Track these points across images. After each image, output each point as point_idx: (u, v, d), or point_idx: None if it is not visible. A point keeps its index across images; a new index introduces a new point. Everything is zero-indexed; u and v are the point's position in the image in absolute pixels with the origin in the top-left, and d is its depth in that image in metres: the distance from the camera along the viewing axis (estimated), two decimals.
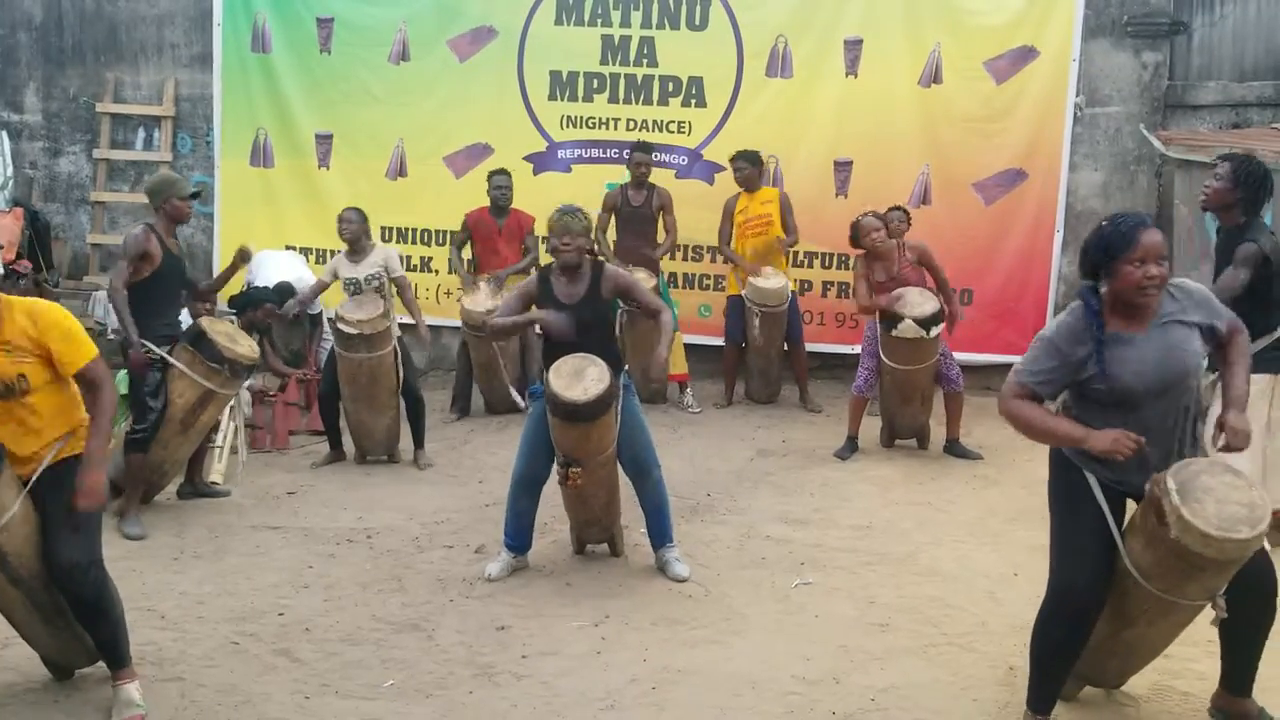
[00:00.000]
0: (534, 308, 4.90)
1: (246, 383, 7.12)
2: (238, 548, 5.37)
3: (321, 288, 7.13)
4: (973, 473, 6.63)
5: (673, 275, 8.60)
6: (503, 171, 7.96)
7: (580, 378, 4.57)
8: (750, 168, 7.90)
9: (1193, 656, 3.83)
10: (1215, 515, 3.07)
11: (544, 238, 8.35)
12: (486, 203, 7.95)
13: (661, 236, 8.04)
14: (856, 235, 6.75)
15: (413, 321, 7.04)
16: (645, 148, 8.04)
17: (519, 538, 5.04)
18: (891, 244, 6.68)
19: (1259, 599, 3.32)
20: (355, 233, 6.87)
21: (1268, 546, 5.03)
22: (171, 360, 5.55)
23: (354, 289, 6.82)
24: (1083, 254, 3.40)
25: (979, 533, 5.59)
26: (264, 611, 4.58)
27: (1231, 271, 4.82)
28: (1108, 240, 3.27)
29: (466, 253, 8.07)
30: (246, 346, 5.76)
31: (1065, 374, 3.36)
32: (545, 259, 8.44)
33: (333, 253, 8.89)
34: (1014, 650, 4.14)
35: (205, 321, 5.71)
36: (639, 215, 7.94)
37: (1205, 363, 3.41)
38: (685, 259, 8.66)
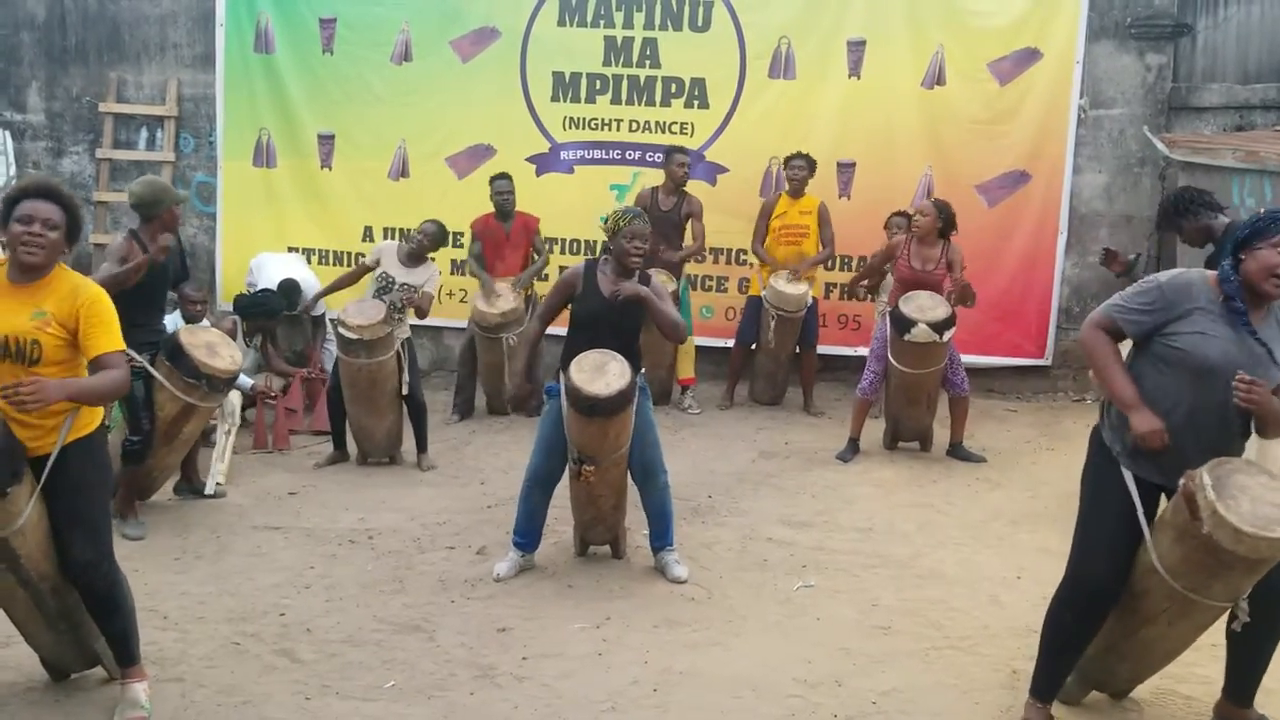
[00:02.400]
0: (570, 302, 4.92)
1: (250, 383, 7.13)
2: (239, 548, 5.37)
3: (360, 273, 7.02)
4: (976, 475, 6.62)
5: (686, 277, 8.55)
6: (504, 176, 7.91)
7: (602, 372, 4.57)
8: (808, 170, 7.84)
9: (1197, 661, 3.82)
10: (1250, 513, 3.09)
11: (575, 239, 8.38)
12: (488, 206, 7.91)
13: (688, 243, 8.00)
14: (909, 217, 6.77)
15: (419, 323, 7.10)
16: (683, 150, 7.98)
17: (529, 536, 5.05)
18: (931, 233, 6.67)
19: (1270, 611, 3.31)
20: (426, 248, 6.94)
21: None
22: (152, 370, 5.45)
23: (384, 286, 6.79)
24: (1229, 231, 3.42)
25: (982, 535, 5.58)
26: (265, 612, 4.57)
27: None
28: (1258, 223, 3.33)
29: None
30: (226, 359, 5.56)
31: (1157, 321, 3.37)
32: (558, 259, 8.51)
33: (336, 253, 8.94)
34: (1016, 653, 4.13)
35: (184, 333, 5.57)
36: (666, 220, 7.86)
37: None
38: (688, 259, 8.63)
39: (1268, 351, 3.29)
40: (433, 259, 7.13)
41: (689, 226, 7.97)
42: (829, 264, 8.52)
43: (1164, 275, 3.43)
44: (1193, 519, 3.16)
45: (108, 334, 3.49)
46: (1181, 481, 3.24)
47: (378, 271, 6.86)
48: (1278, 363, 3.31)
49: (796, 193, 7.88)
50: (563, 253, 8.68)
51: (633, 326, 4.86)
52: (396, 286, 6.78)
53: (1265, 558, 3.13)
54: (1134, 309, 3.42)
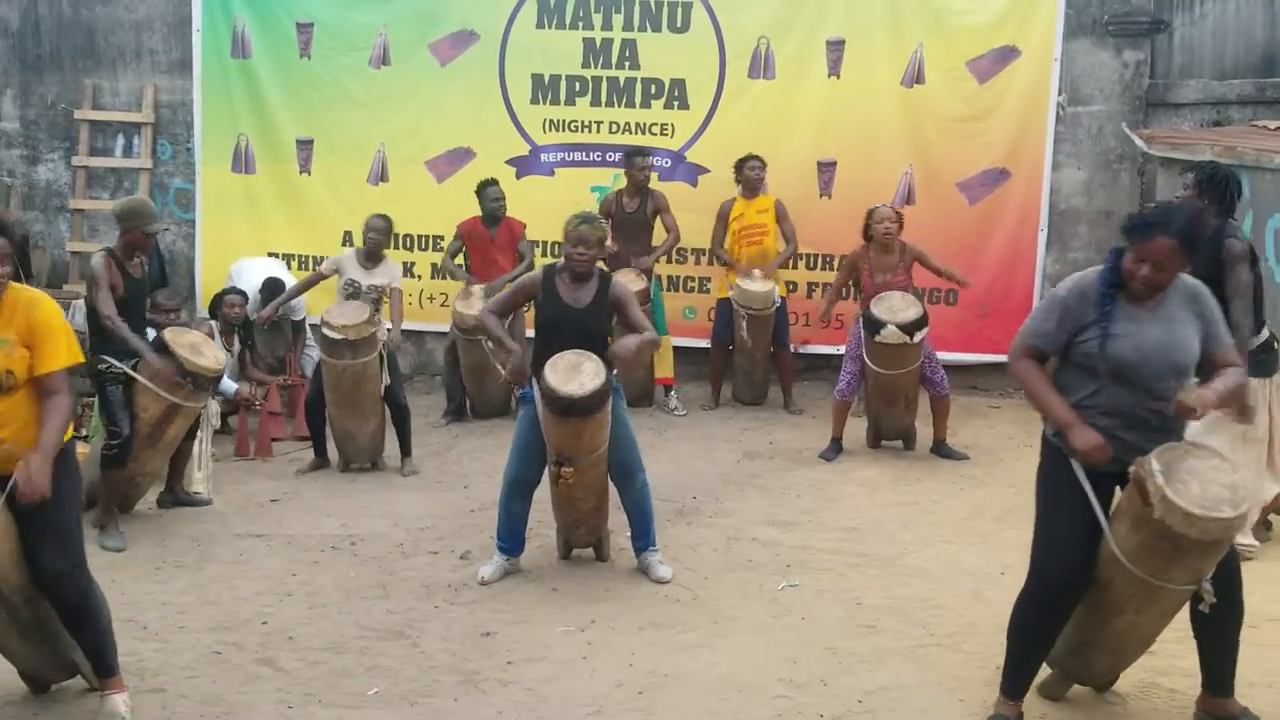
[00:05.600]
0: (533, 305, 4.96)
1: (233, 389, 7.10)
2: (220, 556, 5.32)
3: (315, 280, 7.00)
4: (959, 473, 6.63)
5: (657, 277, 8.56)
6: (494, 182, 7.90)
7: (577, 373, 4.58)
8: (764, 169, 7.87)
9: (1180, 654, 3.82)
10: (1199, 496, 3.13)
11: (556, 241, 8.31)
12: (472, 210, 7.89)
13: (659, 239, 8.01)
14: (869, 223, 6.76)
15: (404, 328, 7.10)
16: (643, 152, 8.00)
17: (512, 540, 5.04)
18: (895, 240, 6.71)
19: (1224, 595, 3.34)
20: (381, 243, 6.91)
21: (1257, 543, 5.10)
22: (134, 374, 5.48)
23: (352, 292, 6.76)
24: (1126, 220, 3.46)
25: (966, 533, 5.58)
26: (247, 620, 4.54)
27: (1233, 274, 4.80)
28: (1133, 224, 3.38)
29: (458, 260, 7.99)
30: (211, 359, 5.63)
31: (1066, 332, 3.41)
32: (538, 262, 8.47)
33: (316, 259, 8.87)
34: (1001, 650, 4.10)
35: (169, 334, 5.62)
36: (634, 221, 7.90)
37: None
38: (670, 261, 8.60)
39: (1173, 333, 3.32)
40: (389, 256, 7.11)
41: (658, 222, 7.99)
42: (811, 264, 8.55)
43: (1062, 287, 3.49)
44: (1144, 505, 3.20)
45: (57, 350, 3.46)
46: (1132, 469, 3.27)
47: (342, 280, 6.84)
48: (1190, 343, 3.34)
49: (752, 193, 7.91)
50: (544, 255, 8.62)
51: (598, 330, 4.87)
52: (363, 290, 6.76)
53: (1218, 539, 3.17)
54: (1043, 329, 3.48)
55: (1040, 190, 8.40)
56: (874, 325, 6.48)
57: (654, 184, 8.20)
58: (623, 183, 8.14)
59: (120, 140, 9.32)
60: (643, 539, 5.04)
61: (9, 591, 3.52)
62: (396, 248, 8.77)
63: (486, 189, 7.85)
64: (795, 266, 8.52)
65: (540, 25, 8.66)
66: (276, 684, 4.00)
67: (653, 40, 8.59)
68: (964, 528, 5.66)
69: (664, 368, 8.10)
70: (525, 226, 7.95)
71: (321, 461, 6.87)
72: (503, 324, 5.05)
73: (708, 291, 8.66)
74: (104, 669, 3.69)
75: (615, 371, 4.96)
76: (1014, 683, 3.61)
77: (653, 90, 8.65)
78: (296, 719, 3.76)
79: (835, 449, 6.92)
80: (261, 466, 6.98)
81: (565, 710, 3.80)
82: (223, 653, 4.24)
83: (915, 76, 8.37)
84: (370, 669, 4.11)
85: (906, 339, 6.43)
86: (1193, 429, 4.86)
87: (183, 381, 5.49)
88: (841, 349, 7.78)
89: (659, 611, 4.61)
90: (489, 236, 7.85)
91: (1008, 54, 8.27)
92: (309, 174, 8.96)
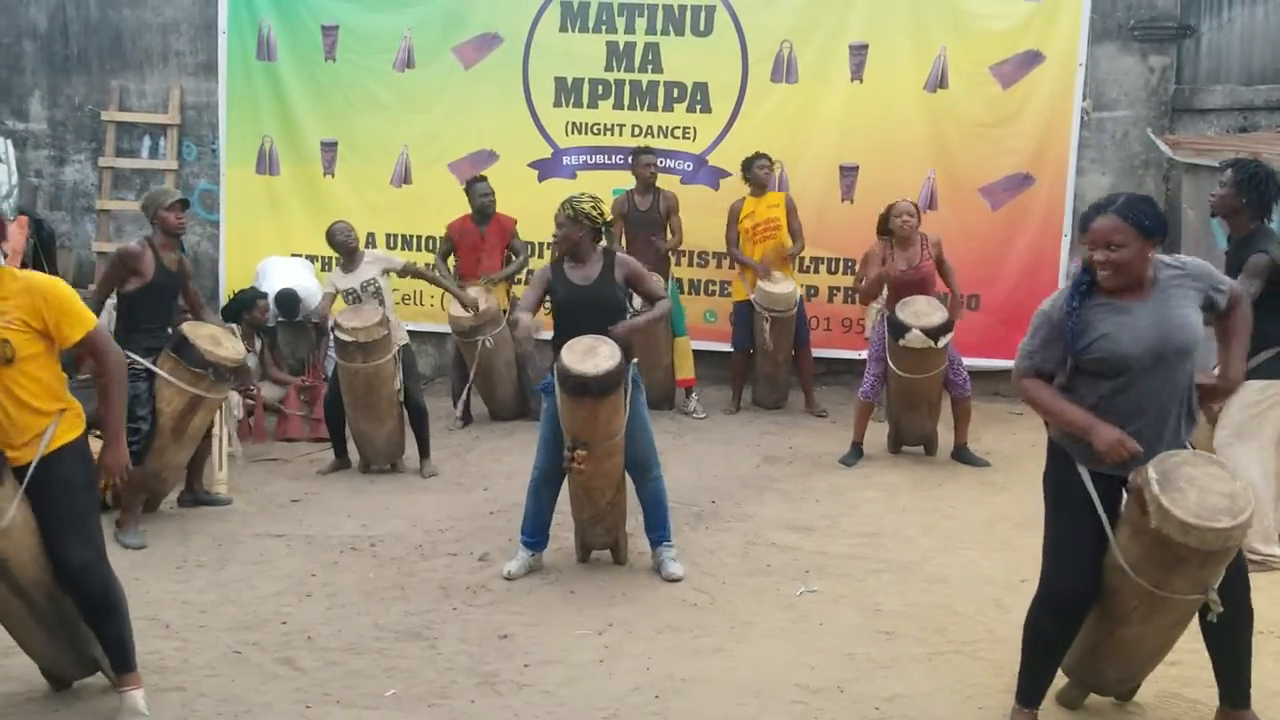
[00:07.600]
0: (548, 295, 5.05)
1: (257, 384, 7.17)
2: (241, 556, 5.36)
3: (330, 300, 7.07)
4: (980, 479, 6.59)
5: (678, 281, 8.56)
6: (482, 179, 7.93)
7: (592, 354, 4.64)
8: (772, 167, 7.95)
9: (1203, 664, 3.78)
10: (1196, 504, 3.09)
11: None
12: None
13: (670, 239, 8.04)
14: (887, 216, 6.75)
15: (423, 329, 7.08)
16: (648, 150, 8.04)
17: (537, 534, 5.08)
18: (915, 232, 6.70)
19: (1230, 600, 3.29)
20: (347, 243, 6.87)
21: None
22: (155, 369, 5.54)
23: (354, 299, 6.81)
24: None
25: (986, 540, 5.55)
26: (266, 620, 4.57)
27: (1244, 281, 4.75)
28: (1083, 215, 3.43)
29: (451, 262, 8.01)
30: (230, 349, 5.69)
31: (1057, 345, 3.38)
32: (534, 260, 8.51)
33: (339, 261, 8.90)
34: (1019, 658, 4.10)
35: (187, 327, 5.68)
36: (647, 219, 7.93)
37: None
38: (690, 264, 8.63)
39: (1167, 315, 3.29)
40: (365, 251, 7.12)
41: (668, 222, 8.02)
42: (833, 268, 8.53)
43: (1045, 303, 3.46)
44: (1142, 514, 3.16)
45: (80, 315, 3.55)
46: (1131, 477, 3.24)
47: (344, 293, 6.85)
48: (1189, 321, 3.30)
49: (761, 190, 7.96)
50: None
51: (613, 300, 4.93)
52: (360, 292, 6.79)
53: (1216, 549, 3.12)
54: (1039, 348, 3.44)
55: (1064, 196, 8.34)
56: (898, 329, 6.45)
57: (672, 187, 8.21)
58: None
59: (146, 141, 9.41)
60: (657, 531, 5.07)
61: (29, 587, 3.55)
62: (419, 249, 8.85)
63: (476, 184, 7.88)
64: (816, 270, 8.52)
65: (564, 29, 8.69)
66: (295, 684, 4.02)
67: (675, 44, 8.60)
68: (984, 534, 5.63)
69: (685, 369, 8.11)
70: (516, 222, 7.97)
71: (341, 462, 6.91)
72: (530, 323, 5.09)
73: (729, 295, 8.65)
74: (123, 664, 3.72)
75: (635, 361, 4.98)
76: (1029, 691, 3.60)
77: (675, 94, 8.65)
78: (314, 719, 3.78)
79: (855, 454, 6.90)
80: (283, 467, 7.01)
81: (582, 713, 3.80)
82: (242, 652, 4.26)
83: (938, 81, 8.34)
84: (388, 670, 4.13)
85: (931, 343, 6.40)
86: (1221, 435, 4.86)
87: (203, 372, 5.55)
88: (860, 353, 7.78)
89: (676, 615, 4.61)
90: (478, 234, 7.86)
91: (1032, 59, 8.23)
92: (333, 176, 9.02)
